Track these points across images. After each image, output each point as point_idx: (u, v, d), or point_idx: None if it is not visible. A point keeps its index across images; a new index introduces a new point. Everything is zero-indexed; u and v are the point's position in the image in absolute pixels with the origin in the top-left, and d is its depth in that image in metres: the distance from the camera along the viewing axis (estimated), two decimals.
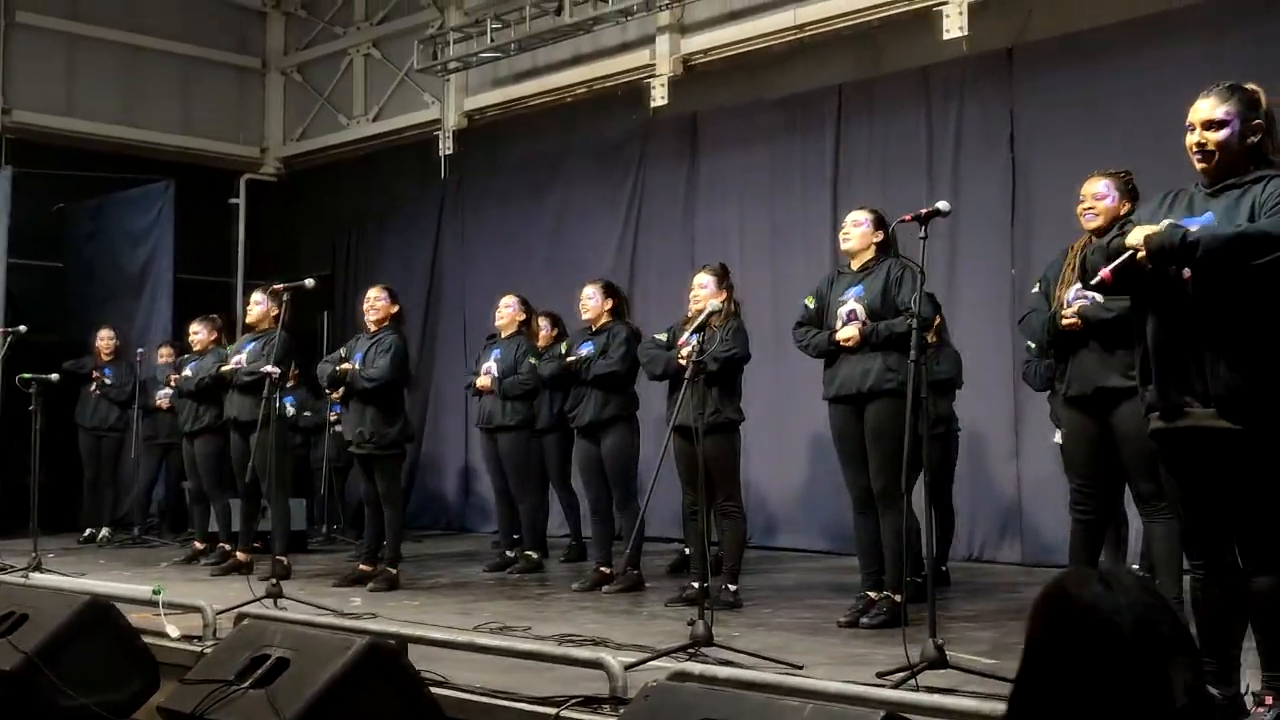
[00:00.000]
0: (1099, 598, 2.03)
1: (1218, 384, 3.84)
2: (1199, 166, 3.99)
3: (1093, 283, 4.02)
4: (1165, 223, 3.89)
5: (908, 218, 5.24)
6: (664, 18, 11.36)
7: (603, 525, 8.23)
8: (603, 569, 8.08)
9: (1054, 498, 7.60)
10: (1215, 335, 3.85)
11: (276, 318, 8.76)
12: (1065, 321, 5.16)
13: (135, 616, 5.82)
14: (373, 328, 8.42)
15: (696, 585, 6.00)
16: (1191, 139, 3.99)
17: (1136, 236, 3.90)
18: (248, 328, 9.48)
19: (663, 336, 7.59)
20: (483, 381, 9.10)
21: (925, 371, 5.11)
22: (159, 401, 11.24)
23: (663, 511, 9.71)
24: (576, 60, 12.19)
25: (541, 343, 9.29)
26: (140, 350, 11.76)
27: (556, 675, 4.85)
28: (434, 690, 4.57)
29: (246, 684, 4.29)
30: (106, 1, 13.83)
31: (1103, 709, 1.99)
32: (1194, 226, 3.87)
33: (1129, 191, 5.40)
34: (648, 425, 8.43)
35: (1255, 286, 3.77)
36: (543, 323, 9.44)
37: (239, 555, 8.99)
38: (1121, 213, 5.20)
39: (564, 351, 8.47)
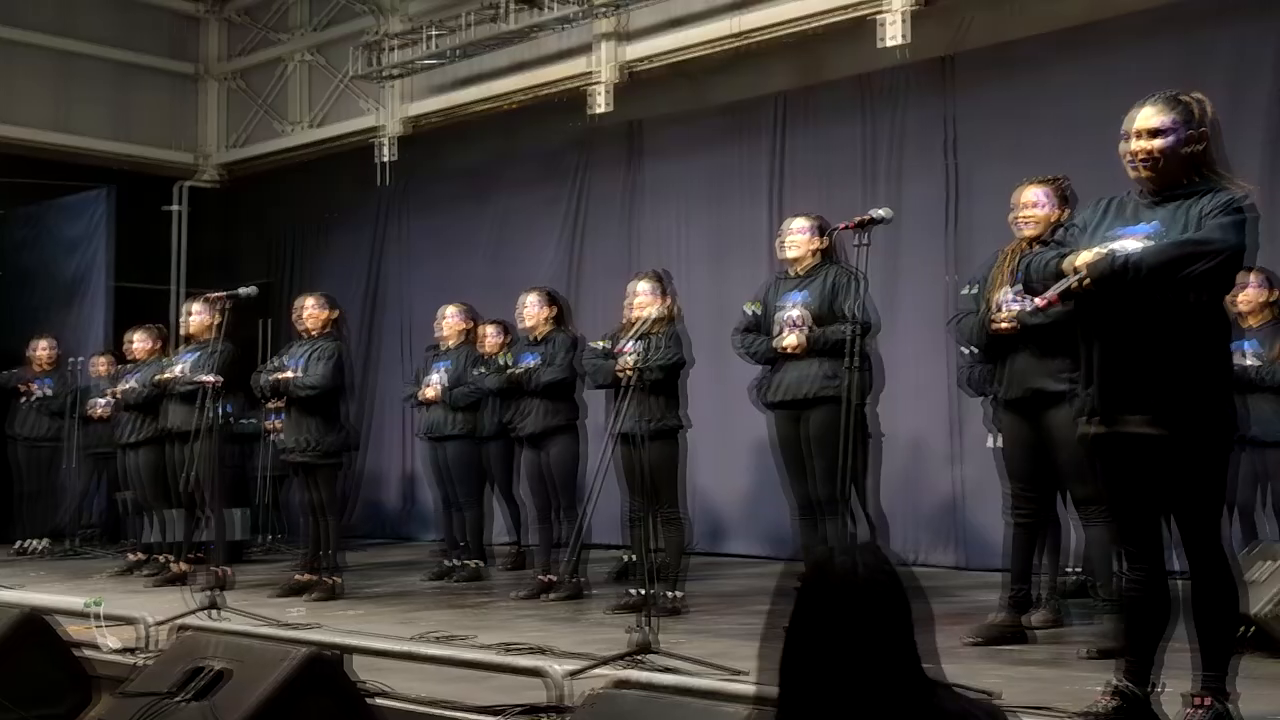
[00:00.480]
0: (840, 564, 2.24)
1: (1151, 391, 3.90)
2: (1142, 174, 4.02)
3: (1038, 305, 4.06)
4: (1106, 249, 3.92)
5: (848, 225, 5.27)
6: (605, 25, 11.36)
7: (546, 533, 8.22)
8: (545, 577, 8.07)
9: (992, 502, 7.65)
10: (1150, 344, 3.90)
11: (217, 327, 8.68)
12: (999, 325, 5.21)
13: (72, 629, 5.74)
14: (309, 335, 8.35)
15: (639, 592, 6.00)
16: (1130, 146, 4.01)
17: (1078, 262, 3.94)
18: (187, 338, 9.37)
19: (602, 344, 7.59)
20: (430, 393, 9.06)
21: (867, 378, 5.15)
22: (95, 411, 11.09)
23: (606, 518, 9.64)
24: (517, 67, 12.15)
25: (491, 351, 9.25)
26: (78, 360, 11.62)
27: (499, 684, 4.84)
28: (375, 701, 4.54)
29: (185, 697, 4.24)
30: (40, 7, 13.63)
31: (855, 662, 2.18)
32: (1133, 240, 3.92)
33: (1065, 197, 5.46)
34: (591, 433, 8.42)
35: (1187, 295, 3.84)
36: (491, 330, 9.41)
37: (177, 566, 8.89)
38: (1054, 220, 5.26)
39: (507, 363, 8.44)
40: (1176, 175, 4.00)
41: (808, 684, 2.21)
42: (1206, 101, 4.06)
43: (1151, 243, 3.90)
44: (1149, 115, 3.99)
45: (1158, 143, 3.97)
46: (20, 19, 13.48)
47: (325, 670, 4.23)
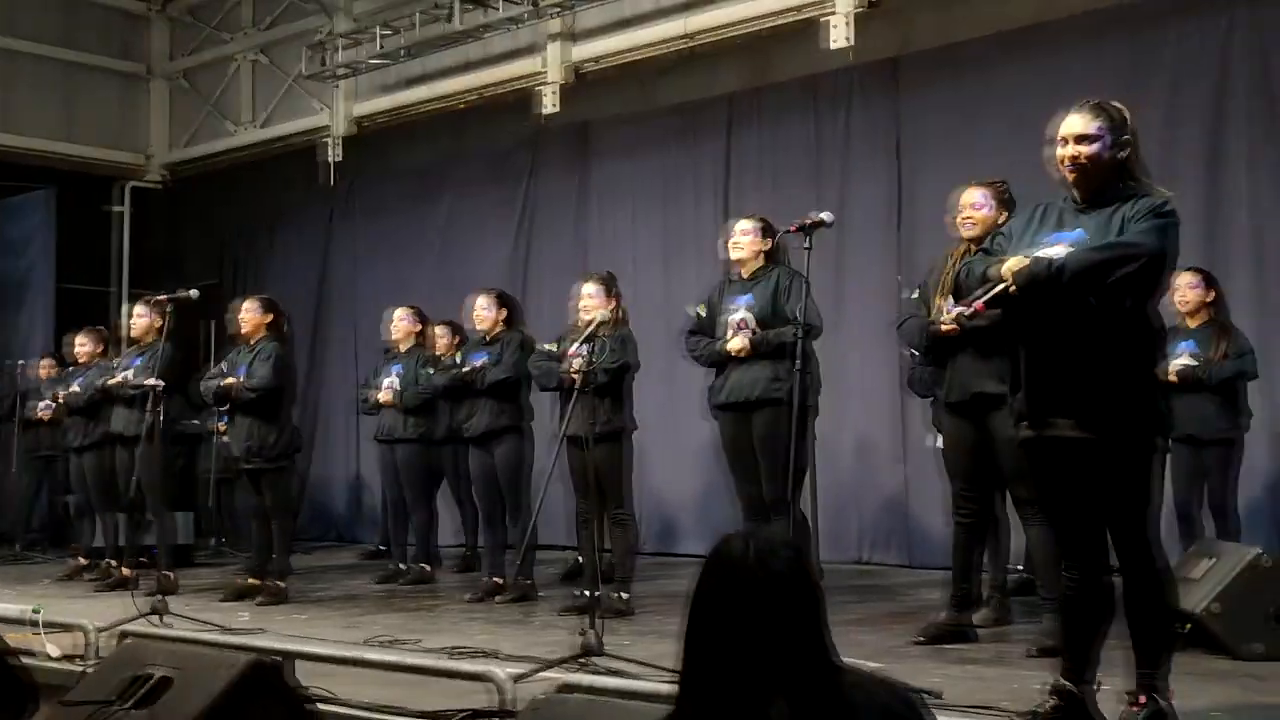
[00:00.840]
0: (744, 548, 2.28)
1: (1077, 395, 3.95)
2: (1069, 179, 4.09)
3: (965, 312, 4.12)
4: (1032, 255, 3.98)
5: (792, 228, 5.30)
6: (554, 25, 11.37)
7: (495, 535, 8.20)
8: (495, 579, 8.05)
9: (938, 501, 7.72)
10: (1075, 349, 3.96)
11: (159, 329, 8.60)
12: (942, 328, 5.26)
13: (13, 636, 5.67)
14: (247, 340, 8.28)
15: (588, 593, 6.01)
16: (1062, 152, 4.07)
17: (1004, 269, 4.01)
18: (132, 340, 9.28)
19: (551, 347, 7.58)
20: (384, 396, 9.03)
21: (811, 380, 5.18)
22: (39, 414, 10.95)
23: (555, 520, 9.68)
24: (466, 67, 12.15)
25: (442, 352, 9.23)
26: (20, 362, 11.49)
27: (446, 688, 4.82)
28: (321, 706, 4.52)
29: (128, 704, 4.21)
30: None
31: (752, 645, 2.20)
32: (1060, 246, 3.98)
33: (1005, 201, 5.51)
34: (539, 435, 8.41)
35: (1112, 298, 3.89)
36: (440, 331, 9.39)
37: (122, 571, 8.82)
38: (999, 221, 5.31)
39: (458, 362, 8.42)
40: (1103, 181, 4.06)
41: (707, 668, 2.25)
42: (1125, 110, 4.11)
43: (1077, 248, 3.95)
44: (1076, 123, 4.05)
45: (1085, 149, 4.03)
46: None
47: (268, 677, 4.21)
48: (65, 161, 13.86)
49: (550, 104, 11.45)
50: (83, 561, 9.67)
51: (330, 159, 13.28)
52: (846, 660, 2.33)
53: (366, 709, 4.63)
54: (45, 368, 11.21)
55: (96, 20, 14.31)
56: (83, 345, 9.66)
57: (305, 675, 4.66)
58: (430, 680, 4.99)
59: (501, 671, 4.50)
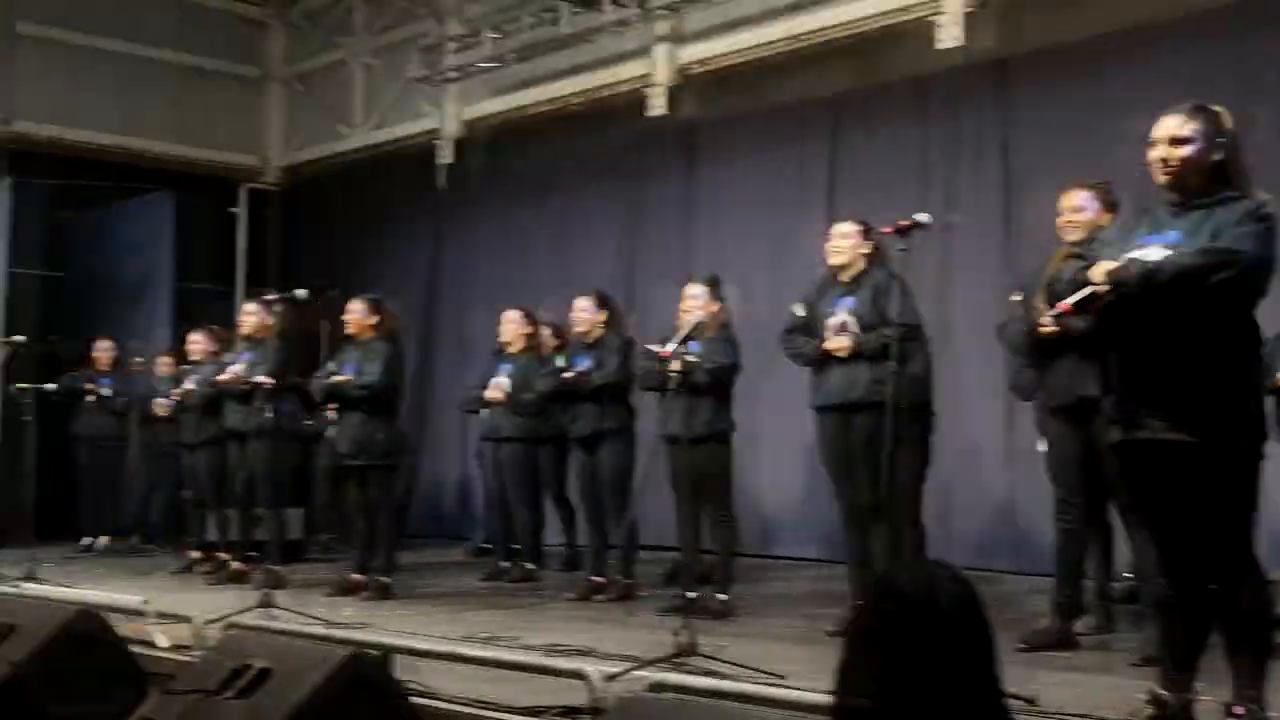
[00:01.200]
0: (917, 582, 2.21)
1: (1171, 396, 3.87)
2: (1162, 181, 4.02)
3: (1055, 313, 4.08)
4: (1124, 258, 3.93)
5: (889, 230, 5.26)
6: (662, 27, 11.39)
7: (597, 535, 8.22)
8: (596, 578, 8.09)
9: (1045, 506, 7.58)
10: (1171, 350, 3.89)
11: (271, 327, 8.78)
12: (1042, 330, 5.18)
13: (126, 627, 5.84)
14: (357, 339, 8.40)
15: (688, 594, 6.02)
16: (1156, 154, 4.01)
17: (1095, 272, 3.95)
18: (246, 339, 9.48)
19: (656, 348, 7.58)
20: (494, 394, 9.10)
21: (912, 383, 5.14)
22: (158, 410, 11.23)
23: (659, 521, 9.68)
24: (575, 70, 12.21)
25: (547, 353, 9.29)
26: (139, 359, 11.79)
27: (541, 686, 4.86)
28: (417, 701, 4.58)
29: (229, 695, 4.30)
30: (105, 12, 13.85)
31: (937, 694, 2.12)
32: (1155, 248, 3.91)
33: (1109, 203, 5.42)
34: (644, 436, 8.42)
35: (1210, 303, 3.81)
36: (545, 333, 9.46)
37: (235, 565, 9.01)
38: (1098, 224, 5.22)
39: (561, 366, 8.45)
40: (1198, 184, 3.99)
41: (872, 705, 2.17)
42: (1224, 113, 4.05)
43: (1172, 251, 3.88)
44: (1170, 124, 3.99)
45: (1179, 151, 3.96)
46: (86, 24, 13.71)
47: (368, 670, 4.27)
48: (184, 164, 14.18)
49: (658, 106, 11.47)
50: (197, 555, 9.89)
51: (442, 161, 13.43)
52: None
53: (464, 703, 4.69)
54: (165, 365, 11.50)
55: (215, 25, 14.63)
56: (199, 343, 9.88)
57: (405, 670, 4.73)
58: (528, 678, 5.04)
59: (594, 669, 4.52)
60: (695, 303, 7.23)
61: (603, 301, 8.35)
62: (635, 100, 11.69)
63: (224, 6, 14.73)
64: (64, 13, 13.62)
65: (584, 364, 8.15)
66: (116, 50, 13.92)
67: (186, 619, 6.01)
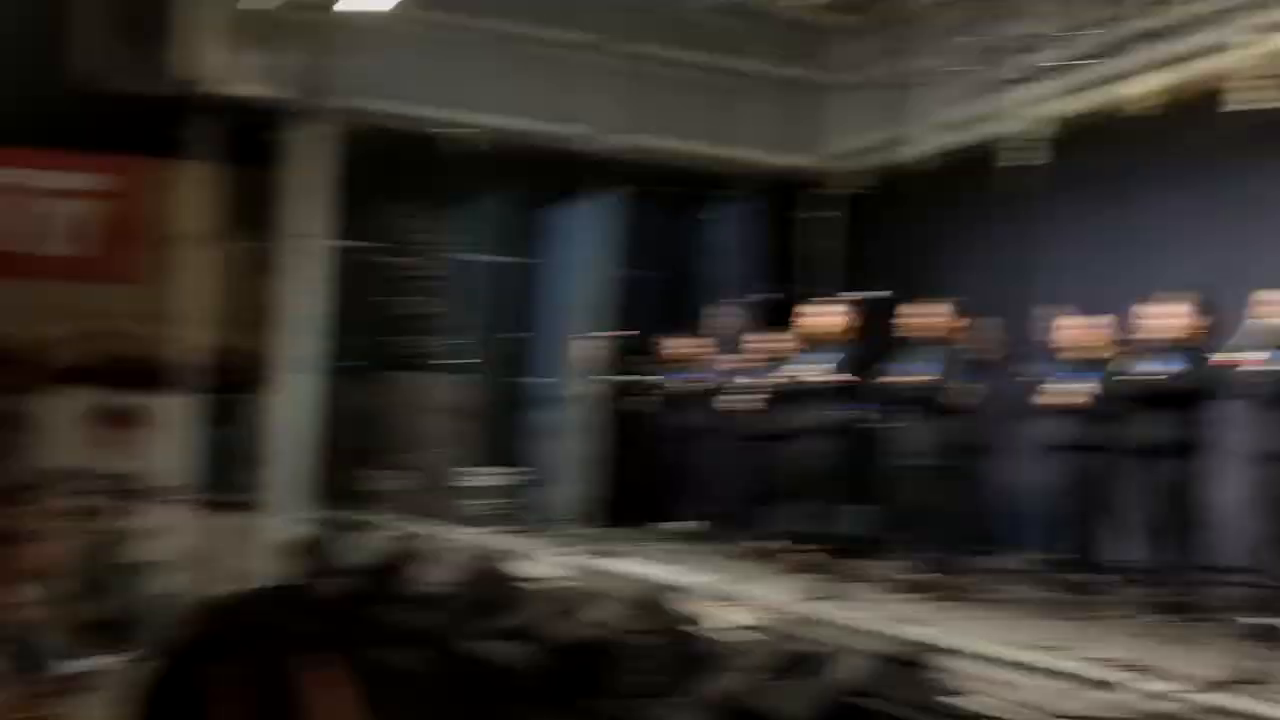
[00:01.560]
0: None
1: None
2: None
3: None
4: None
5: None
6: (1247, 19, 10.74)
7: (1162, 550, 7.92)
8: (1162, 596, 7.78)
9: None
10: None
11: (847, 328, 9.07)
12: None
13: (704, 606, 6.25)
14: (938, 343, 8.50)
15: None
16: None
17: None
18: (817, 340, 9.83)
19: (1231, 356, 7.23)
20: (1063, 399, 9.00)
21: None
22: (738, 406, 11.78)
23: (1239, 540, 9.16)
24: (1155, 66, 11.72)
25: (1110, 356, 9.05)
26: (722, 356, 12.51)
27: (1089, 700, 4.81)
28: (950, 700, 4.66)
29: (785, 677, 4.57)
30: (679, 26, 14.60)
31: None
32: None
33: None
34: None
35: None
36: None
37: (806, 555, 9.39)
38: None
39: (1131, 370, 8.21)
40: None
41: None
42: None
43: None
44: None
45: None
46: (685, 40, 14.65)
47: (906, 667, 4.42)
48: (759, 170, 14.88)
49: (1248, 99, 10.81)
50: (770, 545, 10.35)
51: (1013, 163, 13.25)
52: None
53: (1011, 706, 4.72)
54: (743, 360, 12.09)
55: (775, 32, 15.19)
56: (769, 342, 10.34)
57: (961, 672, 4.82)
58: (1079, 690, 4.99)
59: (1138, 687, 4.44)
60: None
61: (1188, 308, 8.03)
62: (1219, 95, 11.06)
63: (791, 16, 15.25)
64: (655, 31, 14.53)
65: (1167, 367, 7.88)
66: (706, 64, 14.76)
67: (752, 604, 6.35)
